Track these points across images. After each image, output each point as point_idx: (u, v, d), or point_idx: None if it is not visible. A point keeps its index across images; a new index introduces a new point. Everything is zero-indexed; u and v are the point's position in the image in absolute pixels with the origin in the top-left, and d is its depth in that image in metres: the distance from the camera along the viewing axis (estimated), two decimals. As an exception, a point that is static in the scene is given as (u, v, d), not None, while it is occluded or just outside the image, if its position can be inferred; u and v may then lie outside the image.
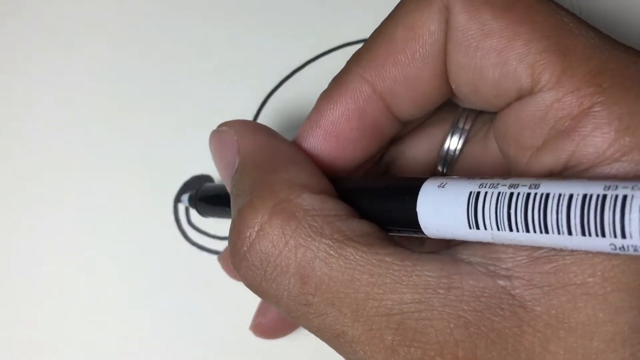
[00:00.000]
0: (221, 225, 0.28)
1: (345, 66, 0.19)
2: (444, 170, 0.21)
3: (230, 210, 0.18)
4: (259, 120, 0.28)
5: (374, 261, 0.15)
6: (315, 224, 0.16)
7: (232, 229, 0.17)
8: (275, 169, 0.18)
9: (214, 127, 0.28)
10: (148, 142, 0.28)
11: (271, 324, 0.25)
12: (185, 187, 0.28)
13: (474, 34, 0.16)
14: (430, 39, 0.17)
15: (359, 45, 0.28)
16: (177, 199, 0.27)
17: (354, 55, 0.19)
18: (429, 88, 0.18)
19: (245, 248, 0.17)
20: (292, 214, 0.16)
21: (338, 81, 0.19)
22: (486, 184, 0.14)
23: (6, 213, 0.28)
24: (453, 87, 0.18)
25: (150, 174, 0.28)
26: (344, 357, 0.16)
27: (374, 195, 0.18)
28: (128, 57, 0.29)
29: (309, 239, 0.16)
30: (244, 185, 0.18)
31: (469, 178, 0.15)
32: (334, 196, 0.17)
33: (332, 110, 0.19)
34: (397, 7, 0.18)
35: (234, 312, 0.27)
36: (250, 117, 0.28)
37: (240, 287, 0.27)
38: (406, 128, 0.21)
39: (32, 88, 0.29)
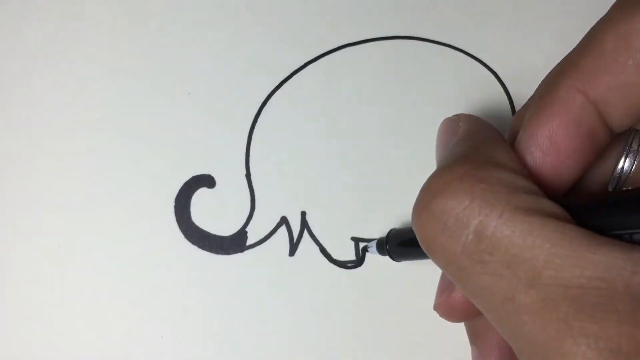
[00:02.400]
0: (221, 225, 0.28)
1: (548, 80, 0.19)
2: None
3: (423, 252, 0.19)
4: (260, 121, 0.29)
5: (558, 233, 0.15)
6: (504, 193, 0.16)
7: (425, 182, 0.18)
8: (485, 147, 0.18)
9: (214, 128, 0.29)
10: (149, 142, 0.28)
11: (461, 299, 0.23)
12: (186, 187, 0.28)
13: None
14: None
15: (359, 46, 0.29)
16: (364, 249, 0.27)
17: (556, 69, 0.19)
18: None
19: (430, 198, 0.17)
20: (484, 179, 0.17)
21: (546, 93, 0.19)
22: None
23: (6, 213, 0.28)
24: None
25: (151, 173, 0.28)
26: (503, 325, 0.16)
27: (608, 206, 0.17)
28: (128, 57, 0.29)
29: (495, 202, 0.16)
30: (452, 151, 0.19)
31: None
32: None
33: (548, 124, 0.19)
34: (604, 19, 0.18)
35: (234, 312, 0.27)
36: (250, 118, 0.29)
37: (240, 287, 0.27)
38: None
39: (32, 88, 0.29)
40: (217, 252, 0.28)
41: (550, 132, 0.19)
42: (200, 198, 0.28)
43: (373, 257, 0.27)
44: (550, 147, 0.19)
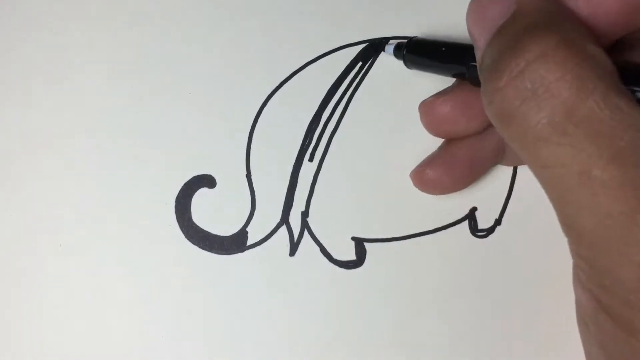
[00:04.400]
0: (222, 225, 0.28)
1: None
2: None
3: (437, 65, 0.20)
4: (260, 121, 0.29)
5: None
6: (597, 69, 0.16)
7: (505, 52, 0.17)
8: (559, 17, 0.18)
9: (215, 128, 0.29)
10: (149, 142, 0.28)
11: (436, 177, 0.26)
12: (186, 187, 0.28)
13: None
14: None
15: (359, 47, 0.29)
16: (380, 47, 0.28)
17: None
18: None
19: (522, 67, 0.17)
20: (577, 52, 0.17)
21: None
22: None
23: (6, 213, 0.28)
24: None
25: (151, 173, 0.28)
26: (571, 197, 0.16)
27: None
28: (129, 57, 0.29)
29: (588, 78, 0.16)
30: (521, 25, 0.18)
31: None
32: None
33: None
34: None
35: (234, 312, 0.27)
36: (251, 118, 0.29)
37: (240, 287, 0.27)
38: None
39: (32, 88, 0.29)
40: (217, 252, 0.28)
41: None
42: (201, 198, 0.28)
43: (373, 257, 0.27)
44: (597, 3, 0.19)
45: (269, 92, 0.29)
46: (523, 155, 0.18)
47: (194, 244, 0.28)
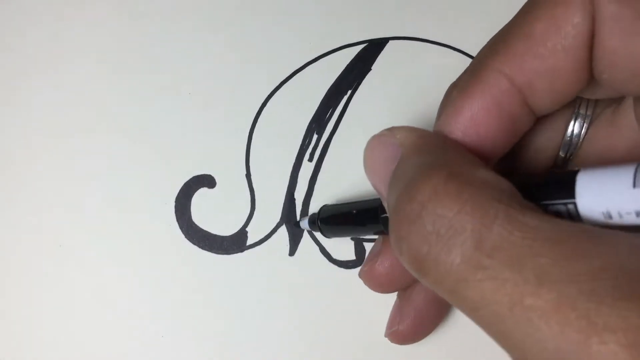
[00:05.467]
0: (222, 225, 0.28)
1: (477, 59, 0.19)
2: (567, 156, 0.22)
3: (355, 228, 0.19)
4: (260, 121, 0.29)
5: (557, 229, 0.15)
6: (493, 192, 0.16)
7: (399, 198, 0.17)
8: (443, 151, 0.18)
9: (215, 128, 0.29)
10: (149, 142, 0.29)
11: (409, 330, 0.25)
12: (186, 187, 0.28)
13: (629, 18, 0.16)
14: (574, 30, 0.17)
15: (359, 47, 0.29)
16: (296, 224, 0.28)
17: (486, 48, 0.19)
18: (570, 80, 0.18)
19: (419, 209, 0.16)
20: (468, 181, 0.16)
21: (473, 75, 0.19)
22: None
23: (6, 213, 0.28)
24: (604, 76, 0.18)
25: (151, 173, 0.28)
26: (513, 337, 0.15)
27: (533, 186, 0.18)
28: (129, 57, 0.29)
29: (487, 204, 0.15)
30: (409, 168, 0.18)
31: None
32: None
33: (470, 105, 0.19)
34: (533, 2, 0.18)
35: (234, 312, 0.27)
36: (251, 118, 0.29)
37: (240, 287, 0.27)
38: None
39: (32, 88, 0.29)
40: (217, 252, 0.28)
41: (472, 114, 0.18)
42: (201, 198, 0.28)
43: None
44: (471, 128, 0.19)
45: (269, 92, 0.29)
46: (451, 302, 0.17)
47: (194, 244, 0.28)
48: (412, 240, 0.16)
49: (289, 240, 0.28)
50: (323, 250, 0.28)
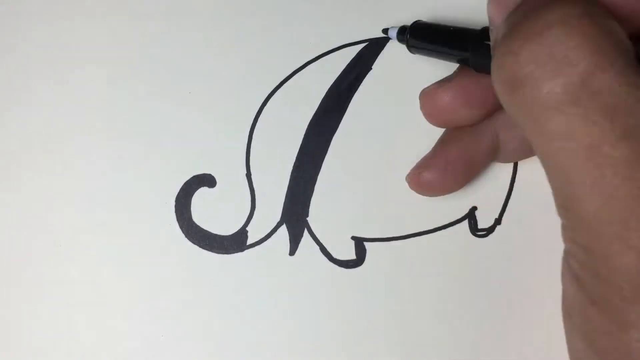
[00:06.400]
0: (222, 225, 0.28)
1: None
2: None
3: (441, 49, 0.21)
4: (260, 121, 0.29)
5: None
6: (618, 44, 0.16)
7: (526, 15, 0.17)
8: None
9: (215, 127, 0.29)
10: (149, 141, 0.29)
11: (432, 178, 0.25)
12: (186, 187, 0.28)
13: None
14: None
15: (359, 46, 0.29)
16: (384, 31, 0.28)
17: None
18: None
19: (539, 29, 0.16)
20: (599, 24, 0.16)
21: None
22: None
23: (6, 213, 0.28)
24: None
25: (151, 173, 0.28)
26: (576, 173, 0.16)
27: None
28: (129, 57, 0.29)
29: (609, 50, 0.16)
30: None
31: None
32: None
33: None
34: None
35: (234, 312, 0.27)
36: (251, 117, 0.29)
37: (240, 287, 0.27)
38: None
39: (32, 88, 0.29)
40: (217, 252, 0.28)
41: None
42: (201, 197, 0.28)
43: (373, 256, 0.27)
44: None
45: (269, 92, 0.29)
46: (527, 126, 0.17)
47: (194, 243, 0.28)
48: (521, 55, 0.16)
49: (289, 239, 0.28)
50: (323, 249, 0.28)
